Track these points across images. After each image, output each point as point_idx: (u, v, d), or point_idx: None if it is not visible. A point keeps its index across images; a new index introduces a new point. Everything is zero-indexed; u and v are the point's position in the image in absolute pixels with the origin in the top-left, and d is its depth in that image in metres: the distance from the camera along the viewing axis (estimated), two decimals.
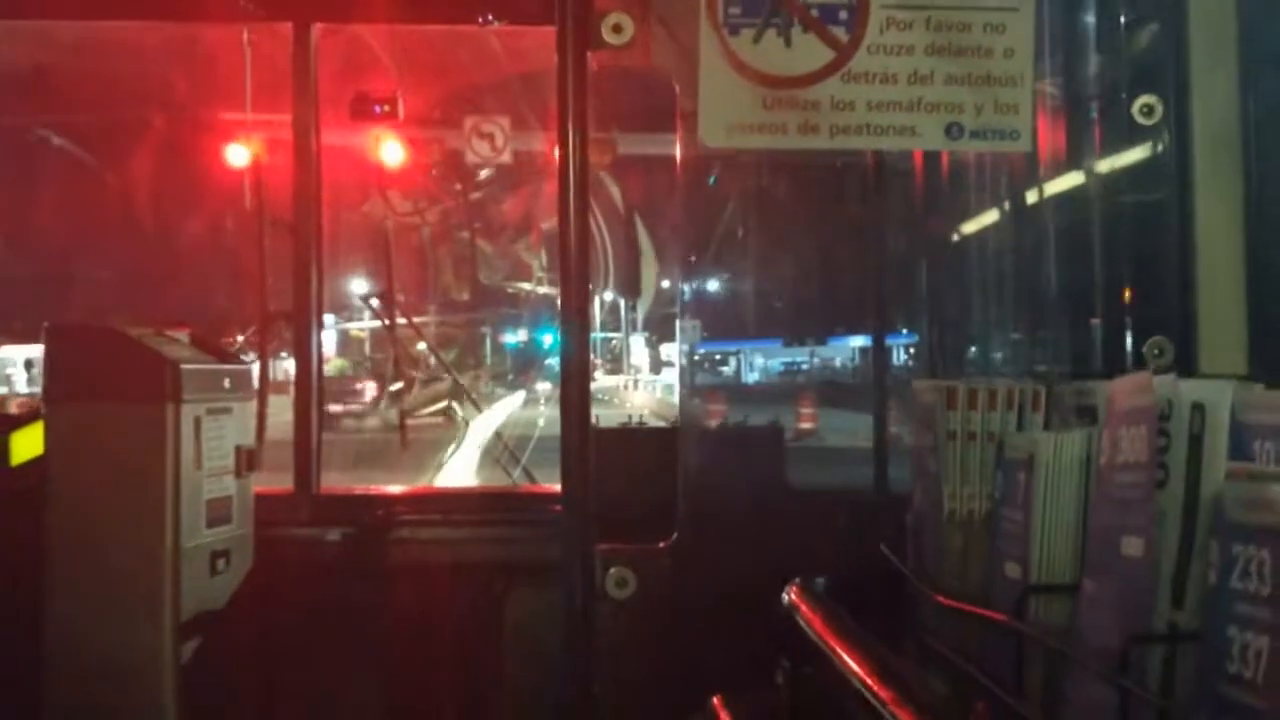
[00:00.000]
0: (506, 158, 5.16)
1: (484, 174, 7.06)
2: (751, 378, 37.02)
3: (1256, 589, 1.07)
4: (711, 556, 3.09)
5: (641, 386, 32.50)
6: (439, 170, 7.05)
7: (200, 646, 3.61)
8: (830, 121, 3.11)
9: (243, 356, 4.99)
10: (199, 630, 3.62)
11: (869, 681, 1.49)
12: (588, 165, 3.11)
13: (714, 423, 3.89)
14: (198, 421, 3.67)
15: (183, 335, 4.03)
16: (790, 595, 1.97)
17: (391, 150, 5.32)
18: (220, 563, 3.73)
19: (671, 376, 30.68)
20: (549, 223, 8.27)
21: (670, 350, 31.11)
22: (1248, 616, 1.09)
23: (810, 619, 1.83)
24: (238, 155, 5.96)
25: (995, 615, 1.58)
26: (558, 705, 3.08)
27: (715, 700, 2.27)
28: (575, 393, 3.05)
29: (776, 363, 39.53)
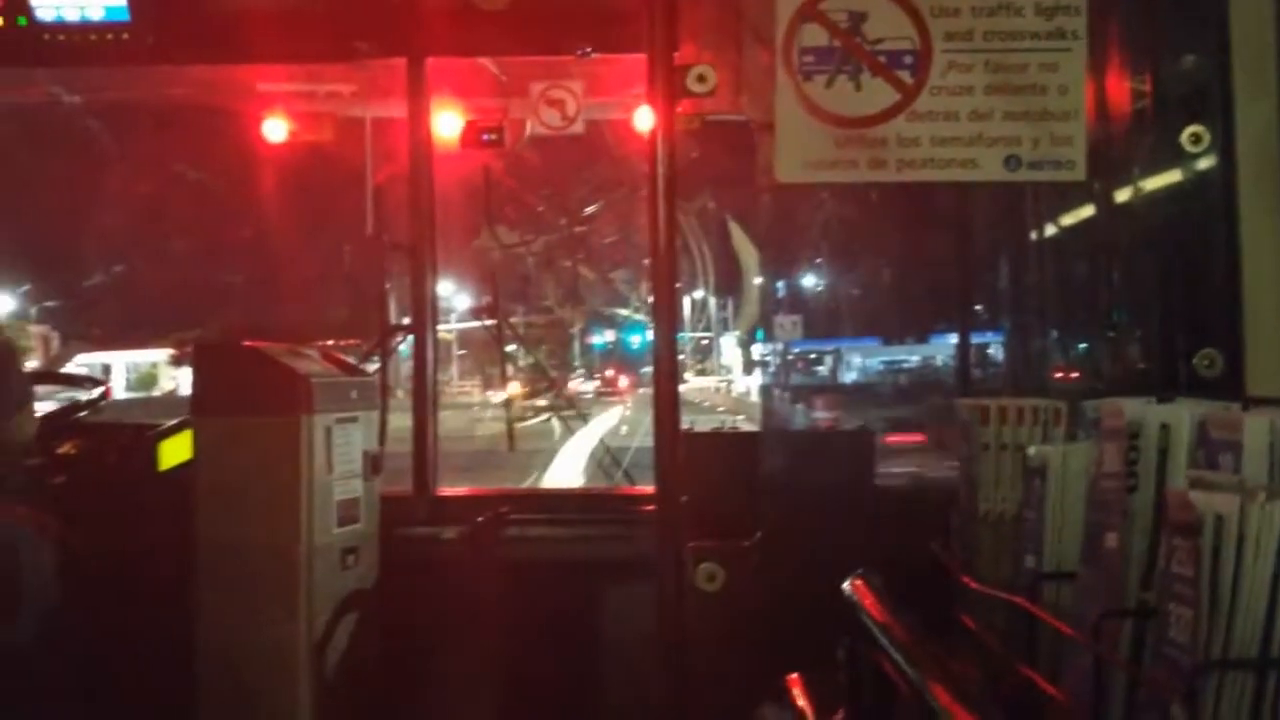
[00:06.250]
0: (579, 128, 4.70)
1: (590, 209, 7.21)
2: (849, 377, 36.58)
3: (1183, 571, 1.38)
4: (793, 552, 3.40)
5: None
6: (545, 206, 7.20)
7: (334, 635, 4.02)
8: (897, 157, 3.41)
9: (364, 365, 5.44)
10: (334, 619, 4.04)
11: (903, 655, 1.82)
12: (675, 205, 3.45)
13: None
14: (328, 430, 4.07)
15: (313, 351, 4.45)
16: (850, 586, 2.29)
17: (448, 122, 4.93)
18: (350, 558, 4.09)
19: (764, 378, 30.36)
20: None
21: (760, 350, 30.67)
22: (1180, 594, 1.40)
23: (864, 605, 2.15)
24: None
25: (1012, 598, 1.89)
26: (648, 689, 3.41)
27: (790, 678, 2.58)
28: (666, 399, 3.40)
29: (875, 361, 38.93)
